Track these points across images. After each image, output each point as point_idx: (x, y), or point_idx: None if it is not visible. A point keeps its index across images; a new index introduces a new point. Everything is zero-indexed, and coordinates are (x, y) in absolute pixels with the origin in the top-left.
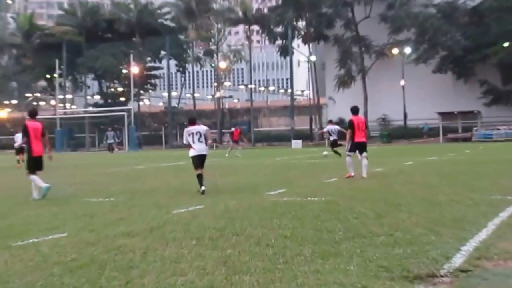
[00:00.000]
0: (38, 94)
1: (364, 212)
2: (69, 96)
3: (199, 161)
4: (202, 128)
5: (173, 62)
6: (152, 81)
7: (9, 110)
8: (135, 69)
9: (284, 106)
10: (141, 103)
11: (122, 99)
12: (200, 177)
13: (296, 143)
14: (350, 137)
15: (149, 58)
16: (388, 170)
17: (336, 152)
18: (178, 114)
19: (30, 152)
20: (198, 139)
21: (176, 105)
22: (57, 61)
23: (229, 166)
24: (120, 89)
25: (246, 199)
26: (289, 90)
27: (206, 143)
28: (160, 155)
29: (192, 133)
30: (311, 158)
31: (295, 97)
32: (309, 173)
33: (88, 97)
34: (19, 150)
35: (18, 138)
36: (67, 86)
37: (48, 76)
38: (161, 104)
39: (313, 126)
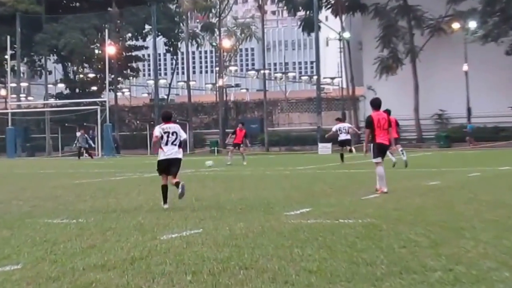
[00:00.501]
0: None
1: (414, 239)
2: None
3: (167, 166)
4: (177, 128)
5: (161, 40)
6: (134, 64)
7: None
8: (111, 49)
9: (308, 98)
10: (119, 94)
11: (94, 88)
12: (164, 189)
13: (324, 148)
14: (368, 138)
15: (129, 35)
16: (446, 183)
17: (341, 156)
18: (168, 109)
19: None
20: (172, 142)
21: (165, 97)
22: (8, 38)
23: (234, 177)
24: (91, 75)
25: (258, 221)
26: (315, 78)
27: (179, 146)
28: (144, 162)
29: (168, 132)
30: (345, 167)
31: (322, 86)
32: (342, 187)
33: (50, 86)
34: None
35: None
36: (21, 71)
37: None
38: (145, 95)
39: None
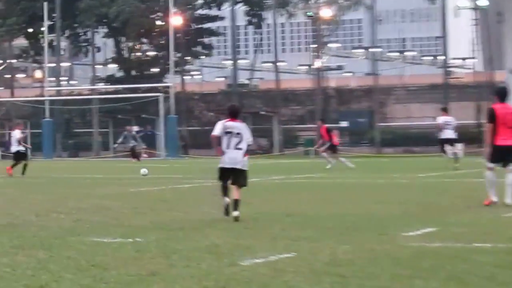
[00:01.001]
0: (13, 61)
1: None
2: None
3: (229, 177)
4: (243, 128)
5: (241, 9)
6: (206, 40)
7: None
8: (176, 20)
9: (431, 84)
10: (187, 77)
11: (155, 70)
12: (225, 190)
13: (454, 150)
14: (489, 137)
15: (200, 1)
16: None
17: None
18: (250, 97)
19: None
20: (236, 145)
21: (247, 81)
22: (45, 6)
23: (335, 186)
24: (151, 53)
25: (367, 243)
26: (441, 58)
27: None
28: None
29: (231, 133)
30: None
31: (450, 69)
32: (477, 201)
33: (98, 67)
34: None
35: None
36: (61, 48)
37: (30, 30)
38: (220, 79)
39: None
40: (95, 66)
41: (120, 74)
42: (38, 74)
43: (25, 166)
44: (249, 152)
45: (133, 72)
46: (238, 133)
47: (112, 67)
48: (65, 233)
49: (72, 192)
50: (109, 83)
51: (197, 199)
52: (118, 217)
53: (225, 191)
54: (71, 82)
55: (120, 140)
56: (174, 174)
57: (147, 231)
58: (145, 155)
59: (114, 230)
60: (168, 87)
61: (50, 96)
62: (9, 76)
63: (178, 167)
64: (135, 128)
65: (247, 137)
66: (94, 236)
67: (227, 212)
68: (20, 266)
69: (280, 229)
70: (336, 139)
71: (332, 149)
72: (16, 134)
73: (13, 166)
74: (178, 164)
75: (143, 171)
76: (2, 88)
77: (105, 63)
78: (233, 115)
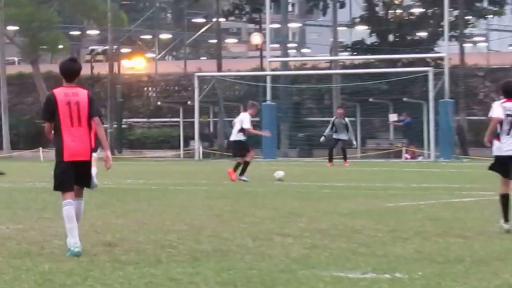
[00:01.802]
0: (220, 20)
1: None
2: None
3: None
4: None
5: None
6: None
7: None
8: None
9: None
10: (467, 46)
11: (422, 35)
12: (504, 200)
13: None
14: None
15: None
16: None
17: None
18: None
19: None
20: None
21: None
22: None
23: None
24: (416, 10)
25: None
26: None
27: None
28: None
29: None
30: None
31: None
32: None
33: (341, 29)
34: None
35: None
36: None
37: None
38: None
39: None
40: (337, 29)
41: (372, 40)
42: (255, 39)
43: (246, 164)
44: None
45: (391, 38)
46: None
47: (361, 30)
48: (294, 265)
49: (305, 206)
50: (356, 53)
51: (477, 216)
52: (370, 243)
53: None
54: (302, 50)
55: (327, 131)
56: (449, 183)
57: (410, 264)
58: (406, 155)
59: (363, 261)
60: (440, 58)
61: (273, 70)
62: (214, 41)
63: (453, 173)
64: (393, 117)
65: None
66: (334, 270)
67: None
68: None
69: None
70: None
71: None
72: (245, 118)
73: (236, 167)
74: (453, 169)
75: (278, 174)
76: (205, 58)
77: (351, 24)
78: (510, 94)
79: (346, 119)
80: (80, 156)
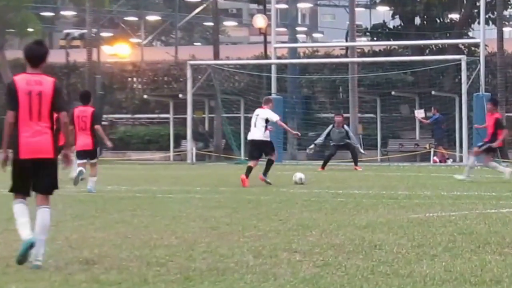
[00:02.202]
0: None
1: None
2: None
3: None
4: None
5: None
6: None
7: None
8: None
9: None
10: (506, 30)
11: (454, 17)
12: None
13: None
14: None
15: None
16: None
17: None
18: None
19: None
20: None
21: None
22: None
23: None
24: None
25: None
26: None
27: None
28: None
29: None
30: None
31: None
32: None
33: (359, 10)
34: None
35: None
36: None
37: None
38: None
39: None
40: (355, 10)
41: (395, 23)
42: (259, 21)
43: (271, 164)
44: None
45: (417, 20)
46: None
47: (383, 12)
48: (302, 286)
49: (316, 218)
50: (377, 38)
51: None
52: (391, 260)
53: None
54: (313, 35)
55: (319, 139)
56: (484, 191)
57: (439, 285)
58: (434, 158)
59: (384, 282)
60: (475, 45)
61: (279, 58)
62: (211, 24)
63: (490, 179)
64: (420, 113)
65: None
66: None
67: None
68: None
69: None
70: None
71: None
72: (271, 113)
73: (248, 172)
74: (489, 174)
75: (296, 176)
76: (200, 43)
77: (370, 5)
78: None
79: (346, 127)
80: (39, 153)
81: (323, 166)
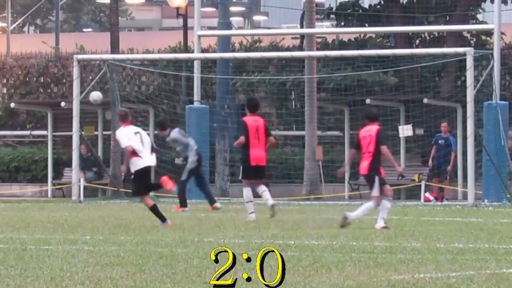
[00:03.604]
0: None
1: None
2: None
3: None
4: None
5: None
6: None
7: None
8: None
9: None
10: None
11: None
12: None
13: None
14: None
15: None
16: None
17: None
18: None
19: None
20: None
21: None
22: None
23: None
24: None
25: None
26: None
27: None
28: None
29: None
30: None
31: None
32: None
33: None
34: None
35: None
36: None
37: None
38: None
39: None
40: None
41: (371, 1)
42: None
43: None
44: None
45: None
46: None
47: None
48: None
49: (257, 278)
50: (345, 23)
51: None
52: None
53: None
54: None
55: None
56: (498, 242)
57: None
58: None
59: None
60: (486, 33)
61: (204, 51)
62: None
63: (506, 224)
64: (407, 130)
65: None
66: None
67: None
68: None
69: None
70: None
71: None
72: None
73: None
74: (505, 218)
75: None
76: (91, 29)
77: None
78: None
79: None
80: None
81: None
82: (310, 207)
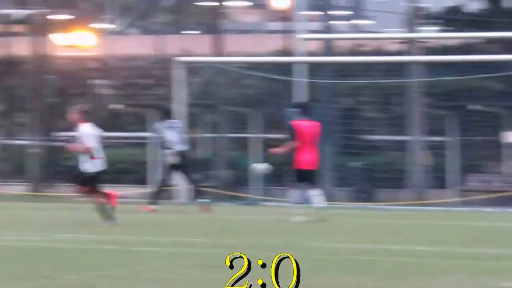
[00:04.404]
0: None
1: None
2: None
3: None
4: None
5: None
6: None
7: None
8: None
9: None
10: None
11: None
12: None
13: None
14: None
15: None
16: None
17: None
18: None
19: None
20: None
21: None
22: None
23: None
24: None
25: None
26: None
27: None
28: None
29: None
30: None
31: None
32: None
33: None
34: None
35: None
36: None
37: None
38: None
39: None
40: None
41: (476, 6)
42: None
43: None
44: None
45: (508, 3)
46: None
47: None
48: None
49: (364, 284)
50: (450, 28)
51: None
52: None
53: None
54: (358, 22)
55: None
56: None
57: None
58: None
59: None
60: None
61: (308, 54)
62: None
63: None
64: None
65: None
66: None
67: None
68: None
69: None
70: None
71: None
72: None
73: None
74: None
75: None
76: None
77: None
78: None
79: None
80: None
81: None
82: (416, 212)
